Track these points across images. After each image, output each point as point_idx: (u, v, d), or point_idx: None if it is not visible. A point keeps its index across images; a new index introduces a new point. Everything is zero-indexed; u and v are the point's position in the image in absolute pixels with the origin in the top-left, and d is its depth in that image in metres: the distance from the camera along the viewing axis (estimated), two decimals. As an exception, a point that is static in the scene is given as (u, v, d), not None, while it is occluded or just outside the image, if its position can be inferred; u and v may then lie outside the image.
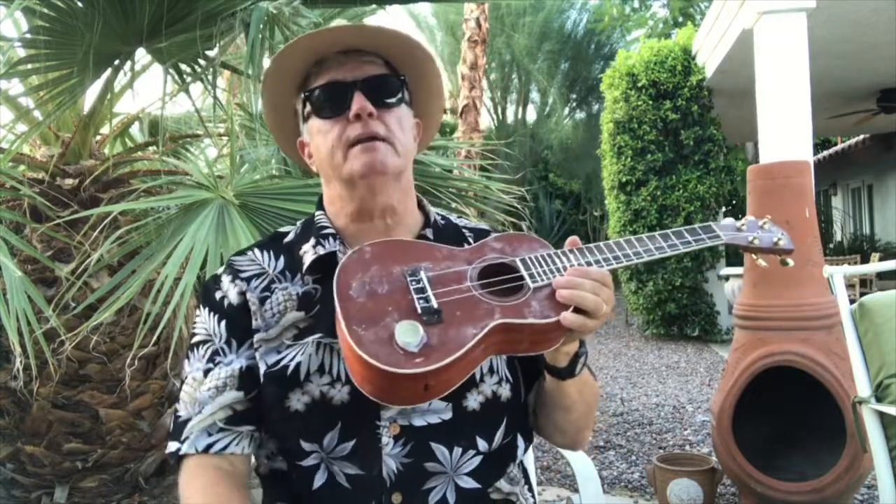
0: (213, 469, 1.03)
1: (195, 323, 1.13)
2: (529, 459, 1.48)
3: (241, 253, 1.17)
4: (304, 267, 1.10)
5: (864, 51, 7.13)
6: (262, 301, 1.09)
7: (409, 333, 0.89)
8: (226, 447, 1.04)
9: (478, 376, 1.07)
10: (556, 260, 1.00)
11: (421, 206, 1.22)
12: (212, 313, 1.11)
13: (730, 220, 1.14)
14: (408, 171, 1.15)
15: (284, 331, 1.07)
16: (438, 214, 1.22)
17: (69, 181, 2.71)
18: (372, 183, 1.08)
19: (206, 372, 1.07)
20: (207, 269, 2.26)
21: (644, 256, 1.03)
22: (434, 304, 0.93)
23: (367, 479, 1.02)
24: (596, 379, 1.21)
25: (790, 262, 1.13)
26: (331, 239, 1.11)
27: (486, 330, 0.92)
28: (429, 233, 1.15)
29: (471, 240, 1.19)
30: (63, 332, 2.28)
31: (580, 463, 1.71)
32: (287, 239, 1.18)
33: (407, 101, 1.14)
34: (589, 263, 1.00)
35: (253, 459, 1.11)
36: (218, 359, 1.08)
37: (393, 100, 1.10)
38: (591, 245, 1.03)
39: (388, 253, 1.01)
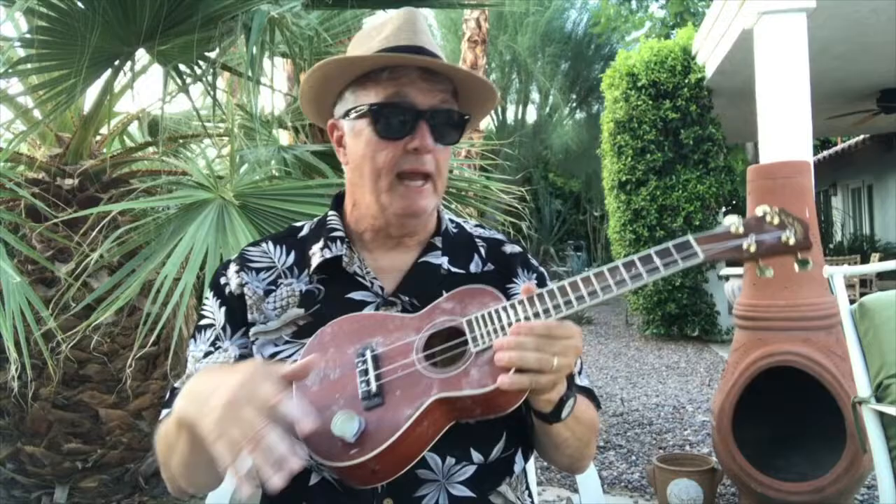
0: None
1: (203, 306, 1.15)
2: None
3: (256, 244, 1.19)
4: (313, 267, 1.11)
5: (864, 51, 7.13)
6: (267, 294, 1.10)
7: (344, 424, 0.89)
8: None
9: None
10: (503, 315, 0.93)
11: (437, 212, 1.20)
12: (215, 297, 1.13)
13: (727, 221, 0.97)
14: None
15: (285, 326, 1.08)
16: (452, 221, 1.22)
17: (69, 181, 2.71)
18: (407, 222, 1.09)
19: (207, 354, 1.09)
20: (207, 270, 2.27)
21: (600, 295, 0.91)
22: (374, 387, 0.93)
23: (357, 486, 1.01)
24: (599, 408, 1.17)
25: (811, 262, 0.92)
26: (338, 242, 1.12)
27: (421, 409, 0.89)
28: (437, 241, 1.15)
29: (483, 250, 1.18)
30: (60, 333, 2.28)
31: (580, 463, 1.70)
32: (301, 234, 1.19)
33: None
34: (537, 314, 0.92)
35: None
36: (218, 343, 1.09)
37: (453, 138, 1.10)
38: (545, 290, 0.94)
39: (344, 331, 1.01)
